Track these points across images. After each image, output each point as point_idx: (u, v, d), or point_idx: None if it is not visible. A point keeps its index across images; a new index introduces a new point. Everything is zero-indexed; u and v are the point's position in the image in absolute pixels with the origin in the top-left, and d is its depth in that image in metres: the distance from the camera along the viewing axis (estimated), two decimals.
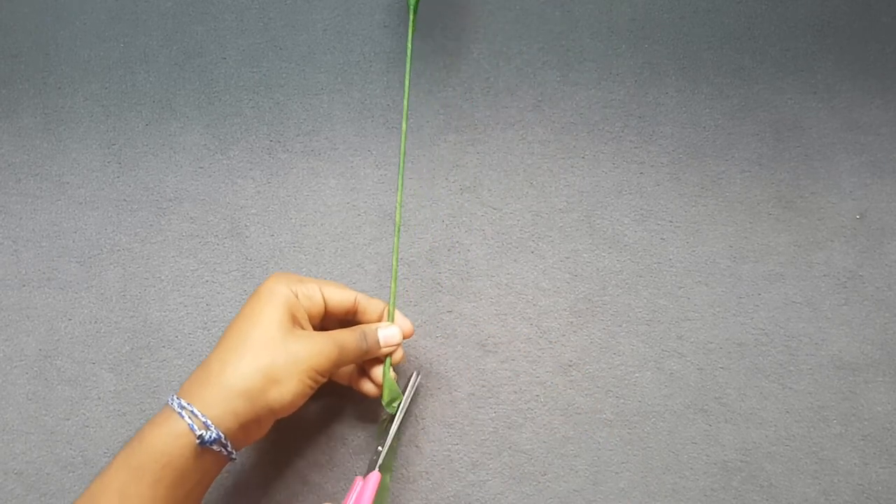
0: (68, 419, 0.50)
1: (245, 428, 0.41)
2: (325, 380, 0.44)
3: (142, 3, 0.56)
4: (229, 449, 0.40)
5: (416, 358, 0.51)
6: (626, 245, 0.53)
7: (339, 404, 0.51)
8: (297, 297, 0.44)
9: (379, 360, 0.48)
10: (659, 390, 0.51)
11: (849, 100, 0.54)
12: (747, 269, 0.52)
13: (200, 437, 0.39)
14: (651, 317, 0.52)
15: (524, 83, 0.55)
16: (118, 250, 0.53)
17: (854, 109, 0.54)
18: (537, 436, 0.50)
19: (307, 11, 0.56)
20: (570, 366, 0.51)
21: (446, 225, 0.53)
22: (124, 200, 0.54)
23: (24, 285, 0.52)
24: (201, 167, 0.54)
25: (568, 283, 0.52)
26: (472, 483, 0.50)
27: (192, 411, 0.40)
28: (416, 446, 0.50)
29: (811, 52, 0.55)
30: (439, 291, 0.52)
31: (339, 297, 0.46)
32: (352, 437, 0.50)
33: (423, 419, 0.50)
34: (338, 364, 0.44)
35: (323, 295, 0.46)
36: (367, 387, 0.48)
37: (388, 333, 0.47)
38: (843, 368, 0.51)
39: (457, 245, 0.53)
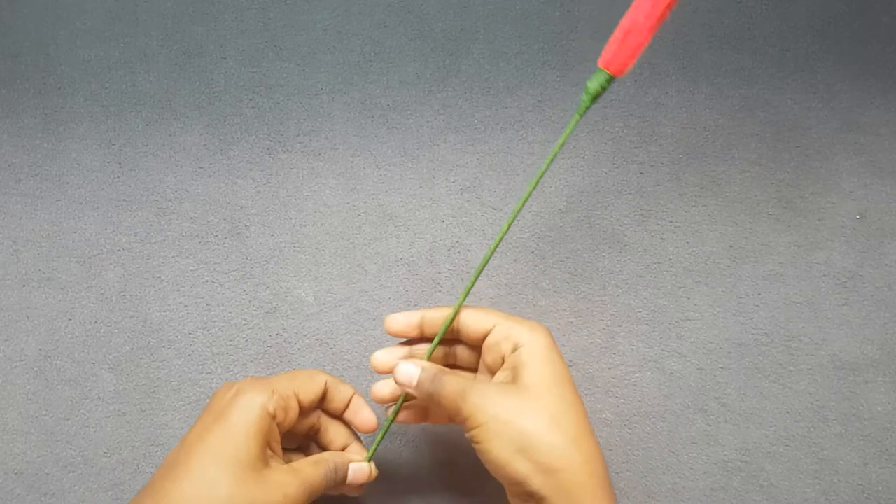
0: (68, 419, 0.50)
1: None
2: None
3: (142, 3, 0.56)
4: None
5: None
6: (626, 245, 0.53)
7: None
8: (273, 415, 0.39)
9: None
10: (659, 390, 0.51)
11: (849, 100, 0.54)
12: (747, 269, 0.52)
13: None
14: (651, 317, 0.52)
15: (524, 83, 0.55)
16: (118, 250, 0.53)
17: (854, 109, 0.54)
18: None
19: (307, 11, 0.56)
20: (570, 366, 0.51)
21: (446, 225, 0.53)
22: (124, 200, 0.54)
23: (24, 285, 0.52)
24: (201, 167, 0.54)
25: (568, 283, 0.52)
26: (472, 483, 0.49)
27: None
28: (416, 446, 0.50)
29: (811, 52, 0.55)
30: (439, 291, 0.52)
31: (311, 390, 0.42)
32: None
33: None
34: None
35: (297, 397, 0.41)
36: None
37: (359, 471, 0.43)
38: (843, 368, 0.51)
39: (457, 245, 0.53)
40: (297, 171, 0.54)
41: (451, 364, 0.45)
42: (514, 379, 0.39)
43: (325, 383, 0.43)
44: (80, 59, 0.55)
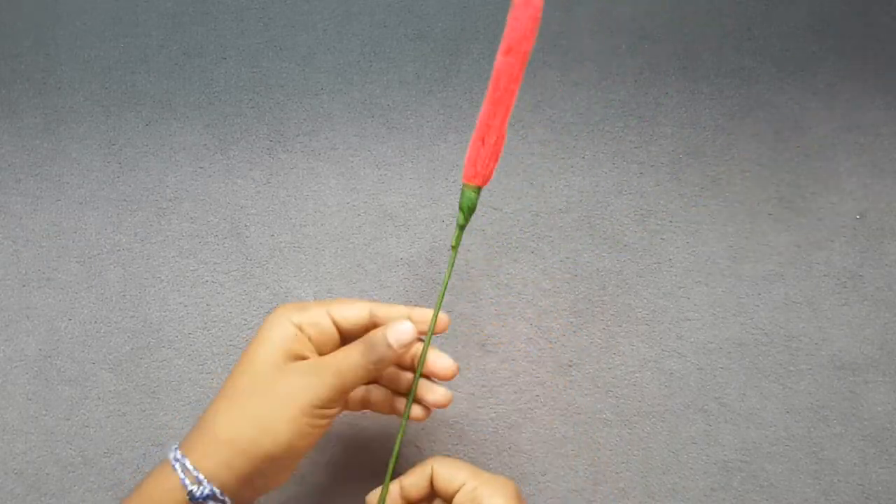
0: (68, 419, 0.50)
1: (246, 481, 0.38)
2: (333, 412, 0.39)
3: (142, 3, 0.56)
4: None
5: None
6: (626, 245, 0.53)
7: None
8: (300, 328, 0.40)
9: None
10: (659, 390, 0.51)
11: (849, 100, 0.54)
12: (747, 269, 0.52)
13: (190, 493, 0.37)
14: (651, 317, 0.52)
15: (524, 83, 0.55)
16: (118, 250, 0.53)
17: (854, 109, 0.54)
18: (537, 436, 0.50)
19: (307, 11, 0.56)
20: (570, 366, 0.51)
21: (446, 225, 0.53)
22: (124, 200, 0.54)
23: (24, 285, 0.52)
24: (201, 167, 0.54)
25: (568, 283, 0.52)
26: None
27: (184, 465, 0.38)
28: (416, 446, 0.50)
29: (811, 52, 0.55)
30: (439, 291, 0.52)
31: (351, 313, 0.41)
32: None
33: None
34: (343, 390, 0.38)
35: (332, 317, 0.41)
36: (414, 411, 0.42)
37: (399, 330, 0.39)
38: (843, 368, 0.51)
39: None
40: (297, 171, 0.54)
41: None
42: None
43: (370, 310, 0.41)
44: (80, 59, 0.55)
